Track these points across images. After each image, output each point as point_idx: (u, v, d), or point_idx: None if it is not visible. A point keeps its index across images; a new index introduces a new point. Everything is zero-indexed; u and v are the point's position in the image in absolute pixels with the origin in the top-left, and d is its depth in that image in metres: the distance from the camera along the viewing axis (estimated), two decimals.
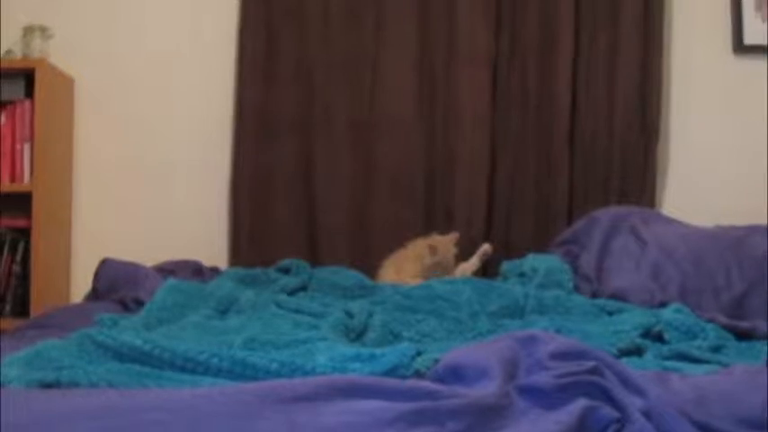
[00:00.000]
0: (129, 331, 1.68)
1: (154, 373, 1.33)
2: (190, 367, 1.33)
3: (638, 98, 3.07)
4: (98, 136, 3.20)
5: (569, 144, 3.07)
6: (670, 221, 2.73)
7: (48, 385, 1.28)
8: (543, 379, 1.18)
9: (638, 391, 1.19)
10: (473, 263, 2.83)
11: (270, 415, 1.07)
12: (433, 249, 2.71)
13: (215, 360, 1.33)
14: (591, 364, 1.21)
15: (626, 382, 1.21)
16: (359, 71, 3.11)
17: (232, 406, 1.08)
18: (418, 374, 1.33)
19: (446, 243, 2.75)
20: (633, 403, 1.15)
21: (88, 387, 1.26)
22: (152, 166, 3.19)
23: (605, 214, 2.73)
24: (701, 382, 1.29)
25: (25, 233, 2.98)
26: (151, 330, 1.76)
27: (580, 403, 1.13)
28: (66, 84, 3.14)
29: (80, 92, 3.20)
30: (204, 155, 3.18)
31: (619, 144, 3.06)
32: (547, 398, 1.16)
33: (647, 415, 1.14)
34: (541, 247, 2.83)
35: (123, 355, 1.39)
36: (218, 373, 1.32)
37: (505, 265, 2.67)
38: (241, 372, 1.31)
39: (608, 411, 1.13)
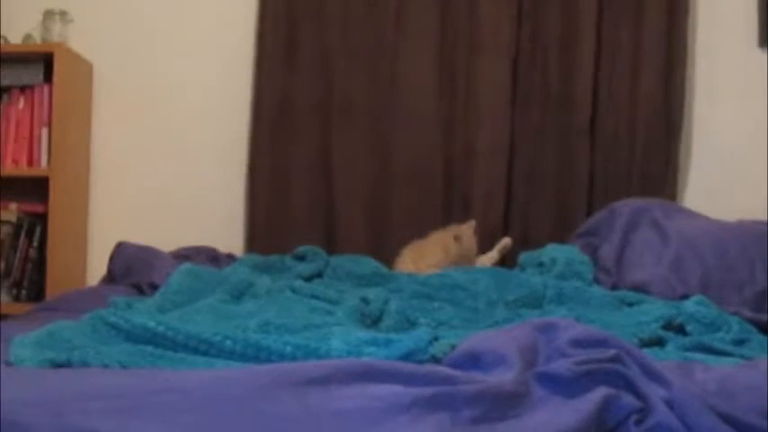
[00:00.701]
0: (143, 313, 1.67)
1: (167, 354, 1.32)
2: (203, 349, 1.33)
3: (661, 92, 3.01)
4: (116, 121, 3.19)
5: (590, 137, 3.02)
6: (692, 215, 2.69)
7: (59, 365, 1.27)
8: (563, 366, 1.15)
9: (661, 381, 1.16)
10: (492, 256, 2.79)
11: (283, 397, 1.05)
12: (459, 239, 2.68)
13: (228, 342, 1.32)
14: (612, 351, 1.18)
15: (648, 371, 1.18)
16: (378, 61, 3.09)
17: (245, 388, 1.06)
18: (435, 360, 1.30)
19: (467, 232, 2.72)
20: (656, 393, 1.12)
21: (100, 368, 1.25)
22: (169, 152, 3.18)
23: (626, 206, 2.69)
24: (726, 374, 1.26)
25: (42, 218, 2.97)
26: (165, 313, 1.75)
27: (600, 391, 1.10)
28: (84, 69, 3.13)
29: (99, 77, 3.19)
30: (222, 142, 3.16)
31: (641, 138, 3.01)
32: (566, 385, 1.13)
33: (669, 405, 1.11)
34: (560, 240, 2.80)
35: (136, 336, 1.39)
36: (231, 355, 1.31)
37: (523, 257, 2.64)
38: (255, 354, 1.30)
39: (630, 400, 1.10)
